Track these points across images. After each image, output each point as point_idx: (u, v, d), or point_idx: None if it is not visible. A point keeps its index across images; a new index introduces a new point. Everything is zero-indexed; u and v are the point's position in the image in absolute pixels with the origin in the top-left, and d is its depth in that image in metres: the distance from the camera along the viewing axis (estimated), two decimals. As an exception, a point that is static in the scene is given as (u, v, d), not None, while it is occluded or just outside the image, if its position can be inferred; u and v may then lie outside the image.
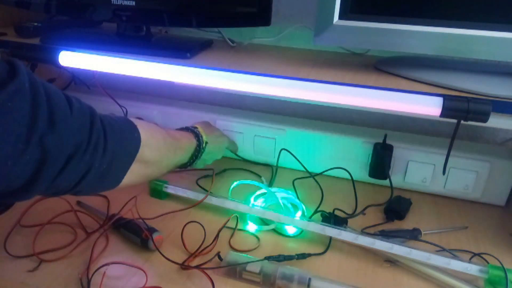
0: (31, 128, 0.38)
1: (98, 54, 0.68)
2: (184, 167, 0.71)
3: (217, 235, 0.65)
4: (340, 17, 0.58)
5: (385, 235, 0.66)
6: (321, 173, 0.82)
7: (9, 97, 0.36)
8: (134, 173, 0.53)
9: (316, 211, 0.72)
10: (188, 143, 0.67)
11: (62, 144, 0.41)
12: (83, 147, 0.43)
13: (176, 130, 0.69)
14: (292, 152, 0.83)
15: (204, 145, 0.70)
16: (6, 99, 0.36)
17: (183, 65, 0.65)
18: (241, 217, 0.71)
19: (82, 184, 0.45)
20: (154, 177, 0.62)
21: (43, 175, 0.40)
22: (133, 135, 0.53)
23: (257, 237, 0.67)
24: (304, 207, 0.74)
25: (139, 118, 0.92)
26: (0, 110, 0.35)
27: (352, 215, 0.73)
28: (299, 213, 0.72)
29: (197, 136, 0.70)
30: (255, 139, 0.88)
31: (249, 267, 0.58)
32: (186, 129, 0.71)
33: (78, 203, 0.73)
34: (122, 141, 0.50)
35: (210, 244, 0.64)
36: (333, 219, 0.68)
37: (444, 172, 0.65)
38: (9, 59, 0.39)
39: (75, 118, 0.43)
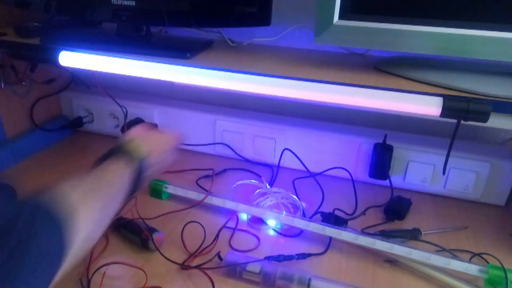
0: None
1: (98, 54, 0.68)
2: (130, 195, 0.57)
3: (217, 235, 0.65)
4: (340, 17, 0.58)
5: (385, 235, 0.66)
6: (321, 173, 0.82)
7: None
8: (67, 266, 0.42)
9: (316, 212, 0.72)
10: (123, 183, 0.54)
11: None
12: None
13: (108, 164, 0.54)
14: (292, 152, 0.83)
15: (142, 164, 0.56)
16: None
17: (183, 65, 0.65)
18: (241, 217, 0.71)
19: None
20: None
21: None
22: (59, 242, 0.39)
23: (257, 237, 0.67)
24: (304, 207, 0.74)
25: (139, 118, 0.93)
26: None
27: (352, 216, 0.72)
28: (299, 213, 0.72)
29: (133, 158, 0.55)
30: (255, 139, 0.88)
31: (249, 267, 0.58)
32: (119, 154, 0.55)
33: (78, 203, 0.73)
34: (43, 256, 0.38)
35: (210, 244, 0.64)
36: (333, 219, 0.68)
37: (444, 172, 0.65)
38: None
39: None
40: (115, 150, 0.57)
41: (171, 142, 0.67)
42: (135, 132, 0.62)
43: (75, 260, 0.43)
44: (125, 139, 0.59)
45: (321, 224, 0.65)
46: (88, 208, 0.44)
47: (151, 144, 0.60)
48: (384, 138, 0.77)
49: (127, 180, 0.54)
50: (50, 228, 0.39)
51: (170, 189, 0.76)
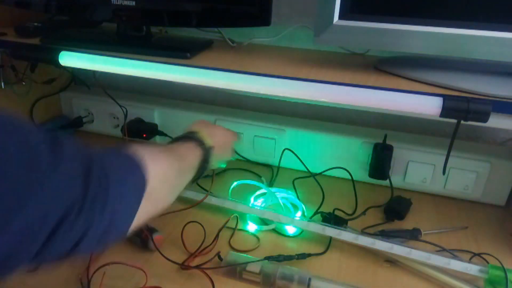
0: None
1: (98, 54, 0.68)
2: (194, 181, 0.62)
3: (217, 235, 0.65)
4: (340, 17, 0.58)
5: (385, 235, 0.66)
6: (321, 173, 0.82)
7: None
8: (142, 216, 0.44)
9: (317, 211, 0.72)
10: (194, 159, 0.58)
11: (45, 207, 0.32)
12: (76, 207, 0.34)
13: (180, 143, 0.59)
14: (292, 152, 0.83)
15: (209, 152, 0.61)
16: None
17: (183, 65, 0.65)
18: (241, 217, 0.71)
19: (79, 249, 0.36)
20: (165, 208, 0.52)
21: (21, 251, 0.31)
22: (139, 177, 0.43)
23: (257, 237, 0.67)
24: (304, 207, 0.74)
25: (139, 119, 0.93)
26: None
27: (352, 216, 0.72)
28: (299, 213, 0.72)
29: (202, 144, 0.60)
30: (255, 139, 0.88)
31: (249, 267, 0.58)
32: (189, 138, 0.61)
33: (78, 203, 0.73)
34: (126, 186, 0.41)
35: (210, 244, 0.64)
36: (333, 219, 0.68)
37: (444, 172, 0.65)
38: None
39: (62, 170, 0.33)
40: (184, 135, 0.61)
41: (231, 139, 0.70)
42: (199, 125, 0.65)
43: (151, 212, 0.46)
44: (192, 129, 0.62)
45: (321, 224, 0.65)
46: (157, 164, 0.47)
47: (214, 139, 0.63)
48: (384, 138, 0.77)
49: (197, 159, 0.58)
50: (132, 165, 0.43)
51: (170, 189, 0.76)
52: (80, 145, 0.38)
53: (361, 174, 0.83)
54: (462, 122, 0.54)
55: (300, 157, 0.82)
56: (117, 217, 0.39)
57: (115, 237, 0.41)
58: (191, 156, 0.58)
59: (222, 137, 0.67)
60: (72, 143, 0.36)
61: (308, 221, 0.66)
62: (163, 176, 0.48)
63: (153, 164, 0.46)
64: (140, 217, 0.44)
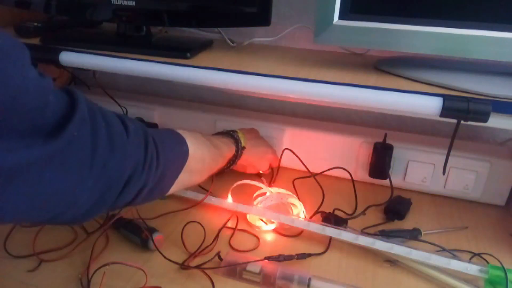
0: (93, 155, 0.39)
1: (98, 54, 0.68)
2: (222, 171, 0.72)
3: (217, 235, 0.65)
4: (340, 17, 0.58)
5: (385, 235, 0.66)
6: (321, 173, 0.82)
7: (75, 127, 0.37)
8: (180, 183, 0.56)
9: (317, 211, 0.72)
10: (227, 151, 0.69)
11: (122, 167, 0.42)
12: (139, 168, 0.45)
13: (217, 136, 0.70)
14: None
15: (241, 151, 0.71)
16: (73, 129, 0.37)
17: (183, 65, 0.65)
18: (241, 217, 0.71)
19: (136, 200, 0.48)
20: (197, 183, 0.65)
21: (106, 199, 0.42)
22: (182, 149, 0.55)
23: (257, 237, 0.67)
24: (304, 207, 0.74)
25: (139, 119, 0.93)
26: (69, 140, 0.36)
27: (352, 215, 0.72)
28: (299, 213, 0.72)
29: (236, 141, 0.71)
30: (255, 139, 0.88)
31: (249, 267, 0.58)
32: (226, 133, 0.72)
33: (78, 203, 0.73)
34: (172, 156, 0.52)
35: (210, 244, 0.64)
36: (333, 219, 0.68)
37: (444, 172, 0.65)
38: (67, 88, 0.40)
39: (131, 140, 0.44)
40: (225, 131, 0.73)
41: (268, 154, 0.80)
42: (245, 129, 0.76)
43: (186, 182, 0.58)
44: (234, 129, 0.73)
45: (321, 224, 0.65)
46: (196, 145, 0.58)
47: (250, 143, 0.73)
48: (384, 138, 0.77)
49: (229, 152, 0.69)
50: (176, 141, 0.55)
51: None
52: (136, 120, 0.48)
53: (361, 174, 0.83)
54: (462, 122, 0.54)
55: (300, 157, 0.82)
56: (163, 179, 0.50)
57: (159, 194, 0.53)
58: (225, 148, 0.68)
59: (260, 147, 0.77)
60: (132, 119, 0.47)
61: (308, 221, 0.66)
62: (199, 156, 0.58)
63: (194, 145, 0.56)
64: (178, 184, 0.55)
